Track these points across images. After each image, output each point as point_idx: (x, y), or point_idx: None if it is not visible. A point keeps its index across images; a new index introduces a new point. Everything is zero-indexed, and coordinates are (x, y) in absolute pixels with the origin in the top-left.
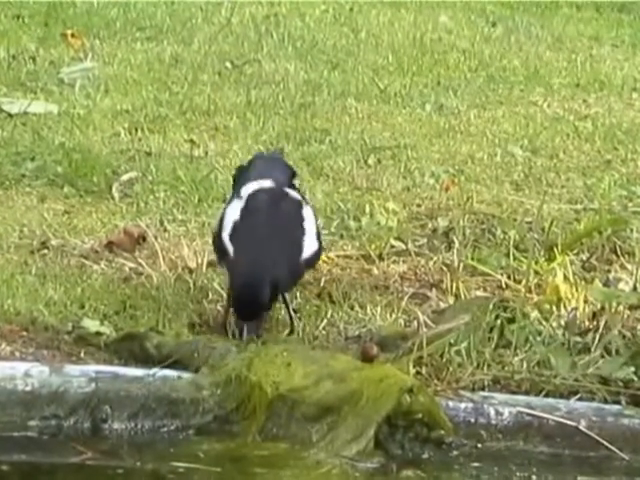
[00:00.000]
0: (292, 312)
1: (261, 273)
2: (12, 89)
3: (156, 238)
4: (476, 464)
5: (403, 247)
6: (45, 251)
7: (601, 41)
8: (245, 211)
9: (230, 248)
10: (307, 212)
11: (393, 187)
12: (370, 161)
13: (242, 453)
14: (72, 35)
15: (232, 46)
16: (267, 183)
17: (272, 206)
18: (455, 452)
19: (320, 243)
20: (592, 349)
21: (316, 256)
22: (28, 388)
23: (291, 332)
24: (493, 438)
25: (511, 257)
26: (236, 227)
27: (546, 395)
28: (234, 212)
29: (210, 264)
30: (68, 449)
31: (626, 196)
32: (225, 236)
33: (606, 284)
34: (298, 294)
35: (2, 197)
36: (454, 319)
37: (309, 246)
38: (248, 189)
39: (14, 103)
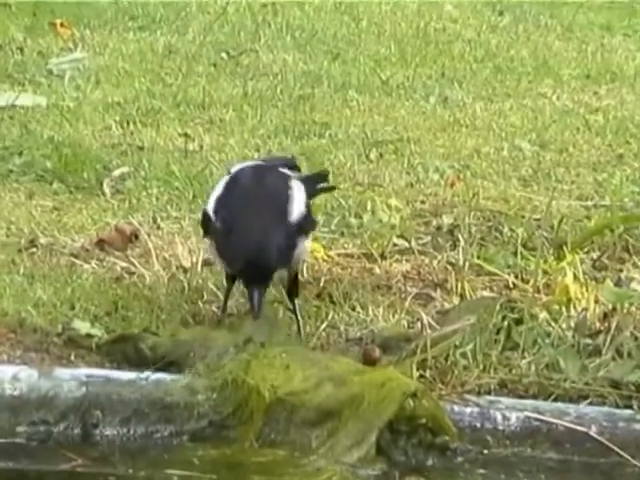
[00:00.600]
0: (299, 316)
1: (265, 238)
2: None
3: (149, 236)
4: (482, 471)
5: (406, 245)
6: (34, 250)
7: (613, 30)
8: (230, 181)
9: (213, 216)
10: (295, 184)
11: (396, 183)
12: (372, 156)
13: (239, 460)
14: (61, 24)
15: (228, 36)
16: (258, 162)
17: (257, 175)
18: (460, 458)
19: (309, 210)
20: (603, 351)
21: (306, 219)
22: (16, 392)
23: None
24: (500, 444)
25: (519, 256)
26: (222, 195)
27: (555, 399)
28: (220, 185)
29: (205, 263)
30: (58, 456)
31: (638, 192)
32: (209, 206)
33: (618, 284)
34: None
35: None
36: (459, 320)
37: (297, 209)
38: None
39: (1, 95)
